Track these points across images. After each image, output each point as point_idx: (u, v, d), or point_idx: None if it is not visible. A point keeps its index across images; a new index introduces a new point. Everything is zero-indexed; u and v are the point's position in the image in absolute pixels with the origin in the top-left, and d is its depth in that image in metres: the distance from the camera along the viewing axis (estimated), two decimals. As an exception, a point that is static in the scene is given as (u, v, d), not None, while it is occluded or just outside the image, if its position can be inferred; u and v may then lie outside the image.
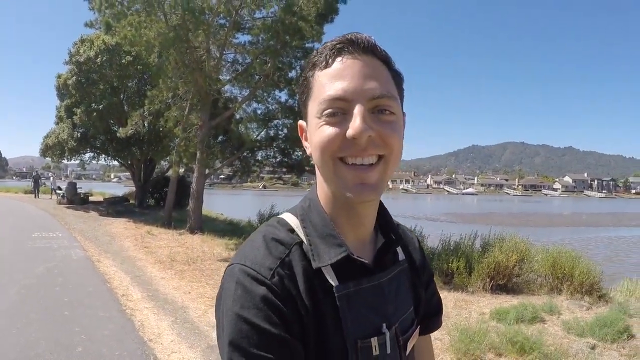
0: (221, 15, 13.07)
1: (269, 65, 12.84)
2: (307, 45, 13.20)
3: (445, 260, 8.13)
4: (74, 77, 19.10)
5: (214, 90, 13.98)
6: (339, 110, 0.80)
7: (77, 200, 23.70)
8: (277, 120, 15.54)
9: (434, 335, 1.20)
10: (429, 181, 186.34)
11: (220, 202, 42.28)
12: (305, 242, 0.87)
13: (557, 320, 6.00)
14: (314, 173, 0.99)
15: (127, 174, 31.11)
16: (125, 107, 20.85)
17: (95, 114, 19.12)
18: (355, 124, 0.78)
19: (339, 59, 0.82)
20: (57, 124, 22.30)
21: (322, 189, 0.91)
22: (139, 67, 19.24)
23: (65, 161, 25.37)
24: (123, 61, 18.65)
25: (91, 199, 25.94)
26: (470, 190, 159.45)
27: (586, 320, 5.75)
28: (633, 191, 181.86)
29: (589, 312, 6.38)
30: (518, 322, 5.73)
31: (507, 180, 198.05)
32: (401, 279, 0.98)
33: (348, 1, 12.69)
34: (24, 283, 7.39)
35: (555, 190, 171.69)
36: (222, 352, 0.79)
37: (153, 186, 24.01)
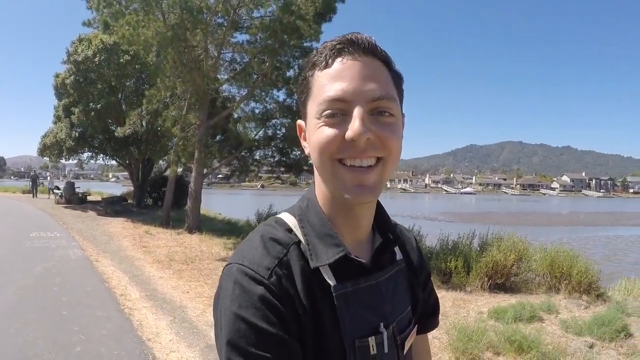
0: (219, 14, 13.06)
1: (267, 64, 12.83)
2: (305, 44, 13.20)
3: (443, 260, 8.13)
4: (72, 77, 19.09)
5: (212, 89, 13.98)
6: (338, 112, 0.80)
7: (75, 199, 23.66)
8: (275, 120, 15.54)
9: (432, 334, 1.20)
10: (427, 181, 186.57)
11: (219, 202, 42.23)
12: (303, 241, 0.87)
13: (555, 319, 6.00)
14: (312, 172, 0.99)
15: (125, 173, 31.08)
16: (123, 107, 20.83)
17: (93, 113, 19.12)
18: (355, 126, 0.77)
19: (339, 59, 0.82)
20: (55, 123, 22.27)
21: (320, 189, 0.91)
22: (137, 66, 19.23)
23: (63, 161, 25.41)
24: (121, 60, 18.62)
25: (89, 198, 25.91)
26: (468, 189, 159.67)
27: (584, 319, 5.76)
28: (631, 190, 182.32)
29: (587, 311, 6.38)
30: (516, 321, 5.74)
31: (505, 179, 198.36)
32: (399, 279, 0.98)
33: (346, 0, 12.70)
34: (22, 283, 7.38)
35: (554, 189, 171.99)
36: (220, 351, 0.79)
37: (151, 186, 23.99)
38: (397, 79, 0.87)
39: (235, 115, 16.12)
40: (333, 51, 0.82)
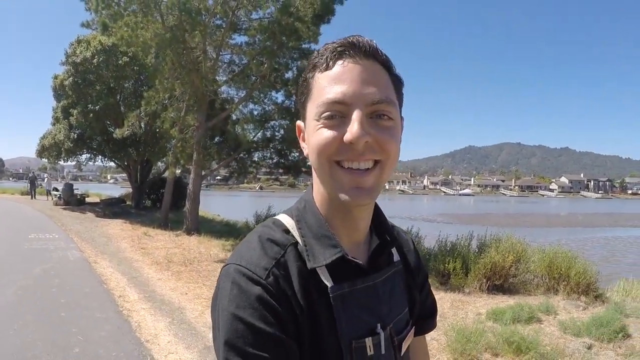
0: (218, 16, 13.06)
1: (266, 66, 12.83)
2: (303, 46, 13.21)
3: (441, 261, 8.14)
4: (71, 78, 19.05)
5: (211, 91, 13.97)
6: (337, 114, 0.80)
7: (73, 201, 23.60)
8: (273, 122, 15.52)
9: (430, 335, 1.21)
10: (425, 182, 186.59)
11: (217, 203, 42.23)
12: (301, 242, 0.87)
13: (554, 320, 6.01)
14: (310, 174, 1.00)
15: (124, 175, 31.02)
16: (122, 108, 20.80)
17: (91, 114, 19.11)
18: (353, 129, 0.78)
19: (339, 62, 0.82)
20: (53, 124, 22.21)
21: (318, 190, 0.92)
22: (135, 67, 19.21)
23: (61, 162, 25.36)
24: (120, 62, 18.60)
25: (88, 200, 25.84)
26: (466, 191, 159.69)
27: (582, 320, 5.77)
28: (629, 191, 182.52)
29: (585, 312, 6.39)
30: (514, 322, 5.74)
31: (503, 181, 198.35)
32: (396, 280, 0.99)
33: (345, 2, 12.71)
34: (20, 284, 7.37)
35: (552, 190, 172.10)
36: (218, 351, 0.79)
37: (150, 187, 23.94)
38: (397, 82, 0.87)
39: (234, 117, 16.11)
40: (334, 53, 0.82)
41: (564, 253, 7.75)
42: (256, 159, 16.74)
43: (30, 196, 29.35)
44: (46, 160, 24.35)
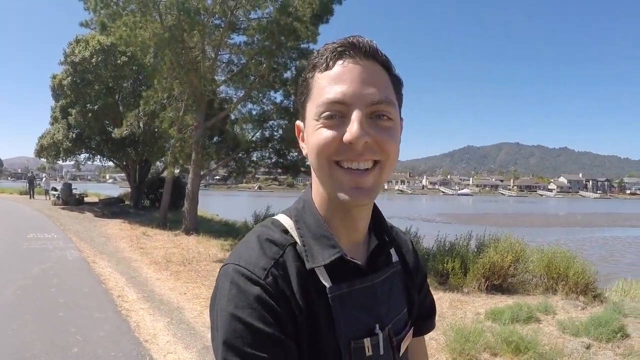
0: (216, 15, 13.06)
1: (264, 65, 12.83)
2: (302, 46, 13.22)
3: (440, 261, 8.15)
4: (69, 78, 19.04)
5: (209, 90, 13.97)
6: (337, 114, 0.80)
7: (72, 201, 23.57)
8: (272, 121, 15.51)
9: (429, 335, 1.20)
10: (424, 182, 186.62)
11: (216, 203, 42.21)
12: (299, 243, 0.87)
13: (552, 320, 6.02)
14: (309, 174, 0.99)
15: (123, 174, 31.01)
16: (121, 108, 20.77)
17: (90, 114, 19.09)
18: (353, 129, 0.78)
19: (339, 62, 0.82)
20: (52, 124, 22.20)
21: (317, 190, 0.91)
22: (134, 67, 19.20)
23: (60, 162, 25.31)
24: (118, 61, 18.59)
25: (86, 199, 25.84)
26: (465, 191, 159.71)
27: (581, 320, 5.77)
28: (628, 192, 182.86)
29: (584, 312, 6.40)
30: (513, 322, 5.75)
31: (502, 181, 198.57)
32: (394, 281, 0.99)
33: (343, 2, 12.71)
34: (19, 284, 7.36)
35: (551, 190, 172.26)
36: (216, 351, 0.79)
37: (148, 187, 23.94)
38: (396, 83, 0.87)
39: (233, 117, 16.12)
40: (334, 53, 0.82)
41: (563, 253, 7.76)
42: (255, 159, 16.73)
43: (28, 196, 29.34)
44: (45, 160, 24.34)
